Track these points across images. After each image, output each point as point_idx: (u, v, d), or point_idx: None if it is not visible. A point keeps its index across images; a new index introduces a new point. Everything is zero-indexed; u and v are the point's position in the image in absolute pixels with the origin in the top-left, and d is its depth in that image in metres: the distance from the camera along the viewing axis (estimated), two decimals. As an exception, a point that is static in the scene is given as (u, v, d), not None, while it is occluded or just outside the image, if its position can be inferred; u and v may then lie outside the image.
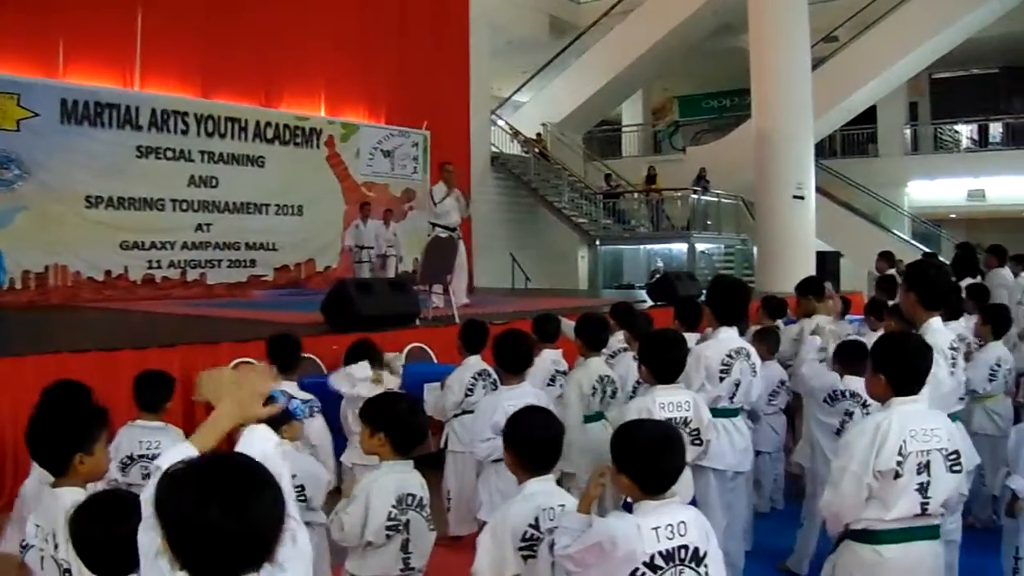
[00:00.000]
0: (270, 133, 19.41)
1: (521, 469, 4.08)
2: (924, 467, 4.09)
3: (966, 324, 9.55)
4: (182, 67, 18.28)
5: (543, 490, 4.03)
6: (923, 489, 4.09)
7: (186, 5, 17.99)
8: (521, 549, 3.93)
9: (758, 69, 22.69)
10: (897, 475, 4.04)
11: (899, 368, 4.25)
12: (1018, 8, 24.68)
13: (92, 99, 16.52)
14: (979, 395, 7.95)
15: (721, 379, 6.08)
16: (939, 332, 5.35)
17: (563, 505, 3.99)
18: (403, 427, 4.60)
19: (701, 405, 5.30)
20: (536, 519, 3.94)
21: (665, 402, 5.16)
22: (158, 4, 17.61)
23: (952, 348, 5.40)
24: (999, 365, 7.95)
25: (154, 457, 5.52)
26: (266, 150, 19.26)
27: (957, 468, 4.22)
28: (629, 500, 3.69)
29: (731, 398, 6.17)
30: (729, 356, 6.12)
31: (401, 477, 4.52)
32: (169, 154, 17.67)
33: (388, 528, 4.40)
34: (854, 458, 4.06)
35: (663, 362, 5.30)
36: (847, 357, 6.89)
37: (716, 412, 6.04)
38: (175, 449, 2.62)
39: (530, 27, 30.99)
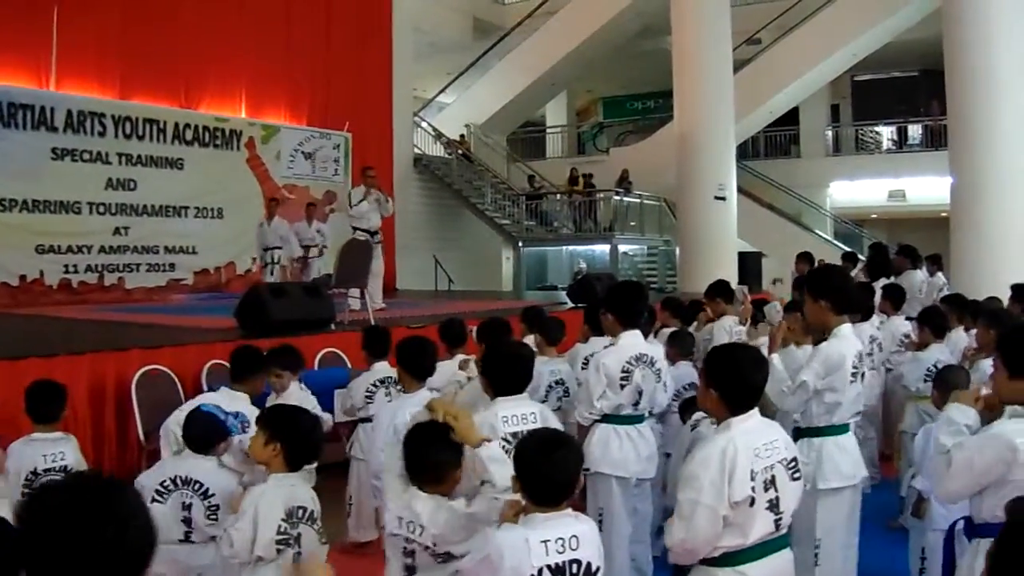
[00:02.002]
0: (189, 135, 19.21)
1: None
2: (771, 483, 3.98)
3: (878, 325, 9.76)
4: (99, 67, 18.03)
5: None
6: (774, 506, 3.98)
7: (103, 4, 17.78)
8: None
9: (680, 71, 22.82)
10: (753, 501, 3.92)
11: (732, 384, 4.09)
12: (937, 12, 25.06)
13: (5, 100, 16.27)
14: (913, 394, 8.16)
15: (622, 387, 6.07)
16: (848, 339, 5.43)
17: None
18: (302, 442, 4.57)
19: (549, 416, 5.09)
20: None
21: (508, 415, 4.85)
22: (74, 2, 17.35)
23: (858, 356, 5.46)
24: (936, 367, 8.00)
25: (61, 469, 5.50)
26: (185, 152, 19.06)
27: (797, 475, 4.14)
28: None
29: (634, 405, 6.18)
30: (629, 363, 6.10)
31: (291, 490, 4.47)
32: (86, 156, 17.44)
33: (279, 542, 4.34)
34: (703, 490, 3.86)
35: (504, 374, 5.02)
36: None
37: (620, 419, 6.11)
38: None
39: (453, 29, 30.93)
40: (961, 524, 4.21)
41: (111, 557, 2.04)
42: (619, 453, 6.09)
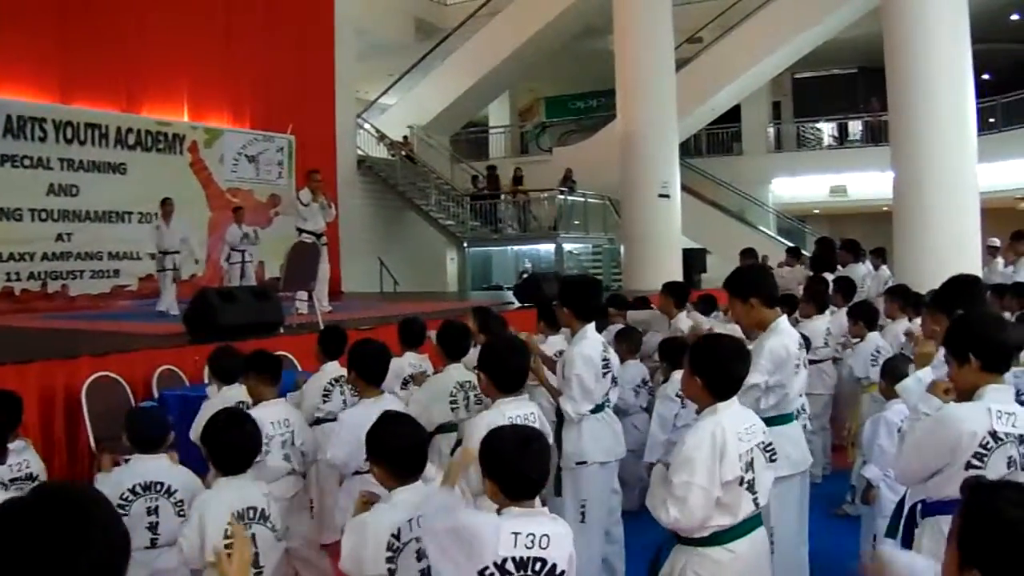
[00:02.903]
0: (132, 139, 19.08)
1: (389, 478, 4.06)
2: (750, 465, 4.20)
3: (831, 317, 9.94)
4: (39, 71, 17.81)
5: (410, 499, 4.00)
6: (751, 486, 4.20)
7: (43, 7, 17.57)
8: (388, 560, 3.91)
9: (623, 70, 22.88)
10: (742, 481, 4.13)
11: (717, 372, 4.30)
12: (875, 10, 25.28)
13: (-58, 104, 16.08)
14: (864, 384, 8.42)
15: (604, 374, 6.17)
16: (787, 331, 5.49)
17: None
18: (219, 446, 4.58)
19: (543, 418, 5.21)
20: (399, 530, 3.92)
21: (514, 415, 4.87)
22: (13, 6, 17.12)
23: (798, 346, 5.52)
24: (878, 352, 8.32)
25: (27, 477, 5.46)
26: (128, 157, 18.92)
27: (774, 459, 4.44)
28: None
29: (606, 393, 6.27)
30: (604, 352, 6.23)
31: (239, 493, 4.47)
32: (26, 162, 17.26)
33: (228, 546, 4.34)
34: (697, 472, 4.05)
35: (506, 371, 5.10)
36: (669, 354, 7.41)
37: (598, 408, 6.20)
38: None
39: (396, 30, 30.88)
40: (918, 507, 4.31)
41: (85, 571, 2.00)
42: (607, 440, 6.20)
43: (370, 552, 3.90)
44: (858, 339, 8.98)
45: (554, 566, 3.53)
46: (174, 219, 15.78)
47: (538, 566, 3.49)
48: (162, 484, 5.05)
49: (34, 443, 6.24)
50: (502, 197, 29.34)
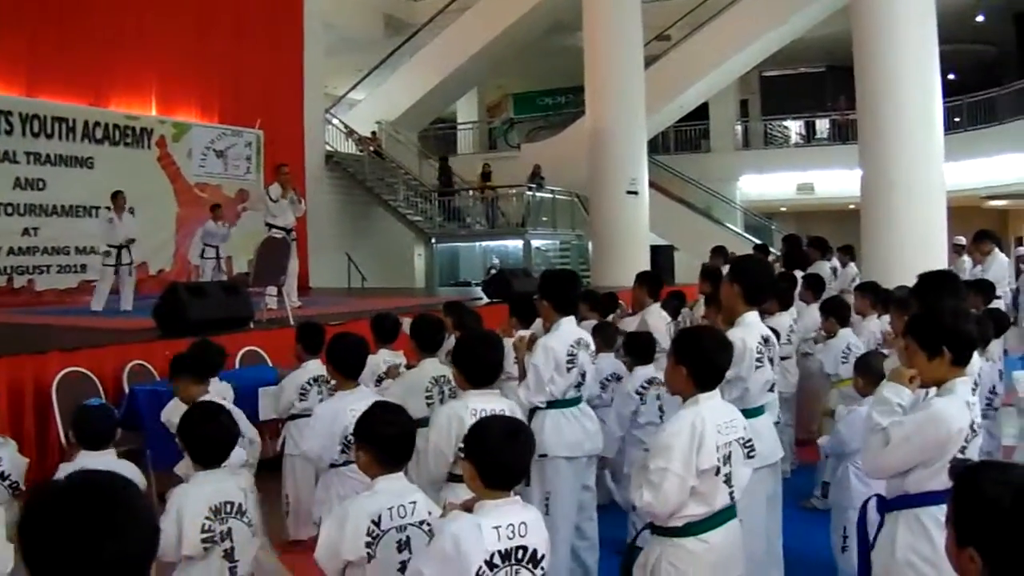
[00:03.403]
0: (99, 133, 18.97)
1: (375, 466, 4.07)
2: (727, 458, 4.29)
3: (797, 315, 10.00)
4: (5, 65, 17.71)
5: (392, 488, 4.04)
6: (728, 479, 4.29)
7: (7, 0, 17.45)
8: (367, 544, 3.93)
9: (592, 67, 22.94)
10: (717, 471, 4.21)
11: (701, 363, 4.38)
12: (843, 9, 25.44)
13: (-94, 98, 15.95)
14: (833, 379, 8.60)
15: (568, 369, 6.15)
16: (753, 326, 5.55)
17: (414, 502, 4.03)
18: (196, 439, 4.59)
19: (518, 413, 5.14)
20: (379, 516, 3.94)
21: (478, 408, 4.86)
22: (-23, -1, 17.01)
23: (761, 343, 5.55)
24: (849, 349, 8.48)
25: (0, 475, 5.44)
26: (95, 151, 18.80)
27: (752, 455, 4.52)
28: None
29: (577, 387, 6.27)
30: (572, 347, 6.19)
31: (217, 486, 4.48)
32: (-8, 156, 17.15)
33: (204, 540, 4.35)
34: (674, 459, 4.13)
35: (478, 365, 5.10)
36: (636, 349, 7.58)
37: (565, 403, 6.21)
38: None
39: (365, 25, 30.85)
40: (873, 501, 4.39)
41: (113, 560, 2.02)
42: (572, 435, 6.18)
43: (348, 536, 3.92)
44: (829, 335, 9.09)
45: (535, 551, 3.61)
46: (126, 213, 15.53)
47: (520, 554, 3.56)
48: None
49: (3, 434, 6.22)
50: (471, 193, 29.36)
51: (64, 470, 5.15)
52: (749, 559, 4.74)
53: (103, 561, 2.00)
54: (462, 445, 4.63)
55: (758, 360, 5.48)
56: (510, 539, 3.53)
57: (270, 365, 9.96)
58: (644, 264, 20.21)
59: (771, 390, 5.80)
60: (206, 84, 21.70)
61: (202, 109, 21.70)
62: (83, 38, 18.52)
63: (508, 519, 3.55)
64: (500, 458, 3.62)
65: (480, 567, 3.46)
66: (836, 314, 9.14)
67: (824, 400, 8.59)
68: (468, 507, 3.67)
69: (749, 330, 5.50)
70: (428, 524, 3.97)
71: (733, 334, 5.30)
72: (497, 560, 3.50)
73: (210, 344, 7.46)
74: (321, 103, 26.87)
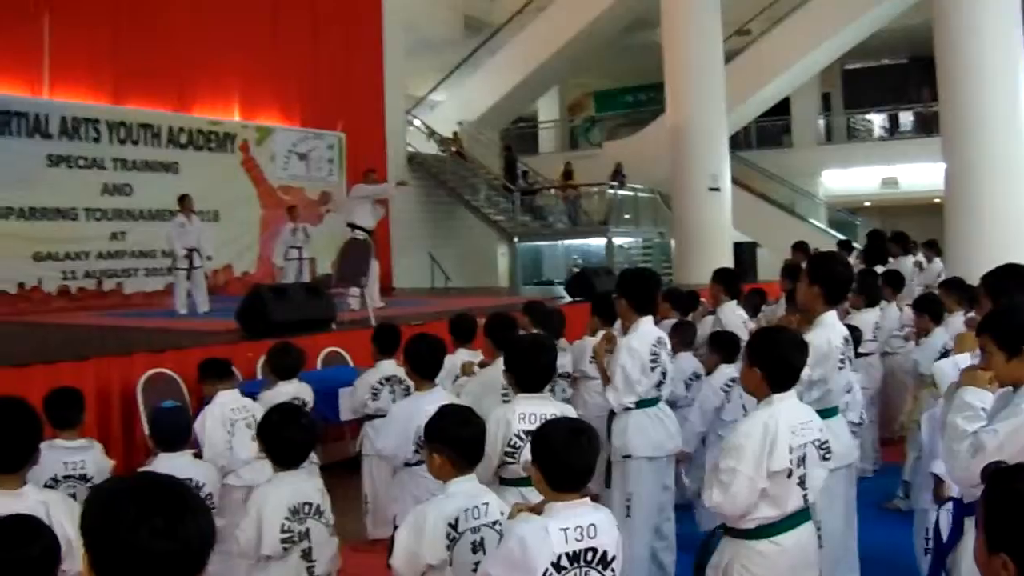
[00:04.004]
0: (184, 139, 19.28)
1: (449, 468, 4.06)
2: (801, 460, 4.22)
3: (881, 312, 9.84)
4: (92, 73, 18.03)
5: (466, 490, 4.04)
6: (802, 482, 4.22)
7: (94, 10, 17.75)
8: (446, 548, 3.92)
9: (671, 63, 22.86)
10: (790, 473, 4.15)
11: (776, 364, 4.33)
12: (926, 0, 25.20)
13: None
14: (926, 381, 8.22)
15: (652, 368, 6.13)
16: (833, 327, 5.45)
17: (487, 503, 4.02)
18: (276, 441, 4.63)
19: (568, 415, 4.88)
20: (456, 519, 3.94)
21: (526, 412, 4.87)
22: (65, 9, 17.34)
23: (842, 343, 5.47)
24: (947, 350, 8.10)
25: (81, 477, 5.50)
26: (180, 156, 19.12)
27: (828, 457, 4.39)
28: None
29: (657, 386, 6.24)
30: (654, 345, 6.18)
31: (294, 487, 4.53)
32: (81, 162, 17.49)
33: (284, 541, 4.41)
34: (744, 460, 4.10)
35: (528, 369, 5.07)
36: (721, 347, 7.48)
37: (647, 403, 6.17)
38: None
39: (444, 26, 30.89)
40: (949, 504, 4.28)
41: (171, 558, 2.07)
42: (655, 435, 6.17)
43: (427, 541, 3.91)
44: (922, 333, 8.85)
45: (605, 553, 3.58)
46: (195, 216, 15.62)
47: (590, 556, 3.54)
48: (190, 480, 5.04)
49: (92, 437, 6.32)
50: (553, 192, 29.33)
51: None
52: (826, 562, 4.68)
53: (156, 554, 2.04)
54: (508, 449, 4.65)
55: (840, 361, 5.41)
56: (578, 541, 3.51)
57: (351, 366, 10.03)
58: (727, 261, 20.10)
59: (848, 391, 5.74)
60: (288, 88, 21.90)
61: (284, 113, 21.92)
62: (166, 46, 18.75)
63: (576, 521, 3.53)
64: (565, 460, 3.60)
65: (547, 569, 3.45)
66: (930, 311, 8.82)
67: (913, 400, 8.41)
68: (537, 510, 3.66)
69: (832, 330, 5.42)
70: (500, 524, 3.97)
71: (817, 335, 5.26)
72: (565, 562, 3.48)
73: (287, 346, 7.55)
74: (402, 104, 26.95)
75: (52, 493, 4.57)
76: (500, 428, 4.82)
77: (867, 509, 6.02)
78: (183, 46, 19.06)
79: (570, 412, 5.07)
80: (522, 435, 4.73)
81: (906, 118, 34.64)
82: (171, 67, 19.17)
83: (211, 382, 6.84)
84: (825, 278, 5.48)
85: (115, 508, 2.09)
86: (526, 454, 4.47)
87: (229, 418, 6.35)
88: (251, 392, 7.32)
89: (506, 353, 5.36)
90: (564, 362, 7.93)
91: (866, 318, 9.54)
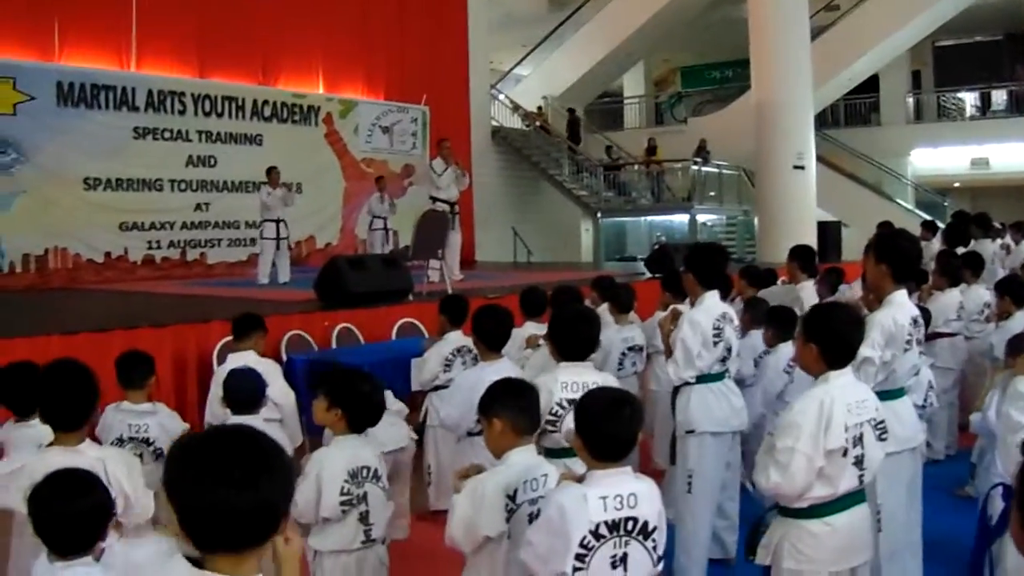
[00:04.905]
0: (268, 111, 19.49)
1: (510, 436, 4.05)
2: (859, 440, 4.15)
3: (961, 294, 9.66)
4: (178, 47, 18.29)
5: (525, 460, 4.04)
6: (859, 462, 4.15)
7: (181, -15, 17.96)
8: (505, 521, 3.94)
9: (757, 39, 22.67)
10: (845, 452, 4.09)
11: (832, 340, 4.26)
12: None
13: (88, 81, 16.59)
14: (1001, 365, 8.08)
15: (715, 343, 6.07)
16: (902, 306, 5.32)
17: (546, 475, 4.02)
18: (363, 406, 4.65)
19: (611, 384, 4.88)
20: (515, 490, 3.95)
21: (568, 381, 4.87)
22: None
23: (911, 324, 5.37)
24: None
25: (144, 440, 5.65)
26: (264, 128, 19.35)
27: (884, 437, 4.31)
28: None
29: (722, 361, 6.18)
30: (718, 320, 6.11)
31: (355, 452, 4.55)
32: (167, 135, 17.77)
33: (343, 503, 4.44)
34: (801, 439, 4.04)
35: (571, 339, 5.08)
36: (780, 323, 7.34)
37: (711, 378, 6.10)
38: None
39: (529, 0, 30.88)
40: (999, 489, 4.20)
41: (250, 511, 2.15)
42: (719, 411, 6.10)
43: (487, 512, 3.93)
44: (1004, 315, 8.69)
45: (646, 523, 3.59)
46: (281, 188, 15.81)
47: (630, 525, 3.56)
48: None
49: (167, 403, 6.44)
50: (636, 167, 29.24)
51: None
52: (885, 546, 4.61)
53: (234, 506, 2.12)
54: (550, 417, 4.65)
55: (907, 342, 5.27)
56: (618, 510, 3.52)
57: (426, 336, 10.09)
58: (811, 240, 19.90)
59: (916, 373, 5.64)
60: (372, 62, 22.03)
61: (368, 86, 22.05)
62: (250, 19, 19.02)
63: (617, 489, 3.54)
64: (606, 429, 3.61)
65: (584, 537, 3.47)
66: (1012, 293, 8.65)
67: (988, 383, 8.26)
68: (580, 479, 3.67)
69: (900, 310, 5.29)
70: None
71: (884, 314, 5.17)
72: (604, 531, 3.50)
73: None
74: (486, 79, 26.99)
75: (110, 449, 4.71)
76: (542, 396, 4.81)
77: (937, 494, 5.87)
78: (267, 19, 19.29)
79: (612, 381, 5.04)
80: (564, 403, 4.73)
81: (999, 96, 33.92)
82: (255, 40, 19.44)
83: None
84: (891, 255, 5.33)
85: (194, 461, 2.18)
86: (568, 423, 4.48)
87: None
88: (325, 360, 7.38)
89: (550, 323, 5.38)
90: (633, 335, 7.93)
91: (947, 299, 9.39)
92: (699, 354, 6.00)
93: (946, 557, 6.06)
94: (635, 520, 3.55)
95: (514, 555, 3.86)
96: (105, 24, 17.15)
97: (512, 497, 3.95)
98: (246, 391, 5.55)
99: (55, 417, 4.36)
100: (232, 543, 2.17)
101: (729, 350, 6.20)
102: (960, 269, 10.03)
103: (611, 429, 3.61)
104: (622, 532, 3.53)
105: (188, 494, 2.15)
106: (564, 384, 4.85)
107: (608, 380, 5.06)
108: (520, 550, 3.69)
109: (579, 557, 3.48)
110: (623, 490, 3.55)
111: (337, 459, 4.51)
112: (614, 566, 3.55)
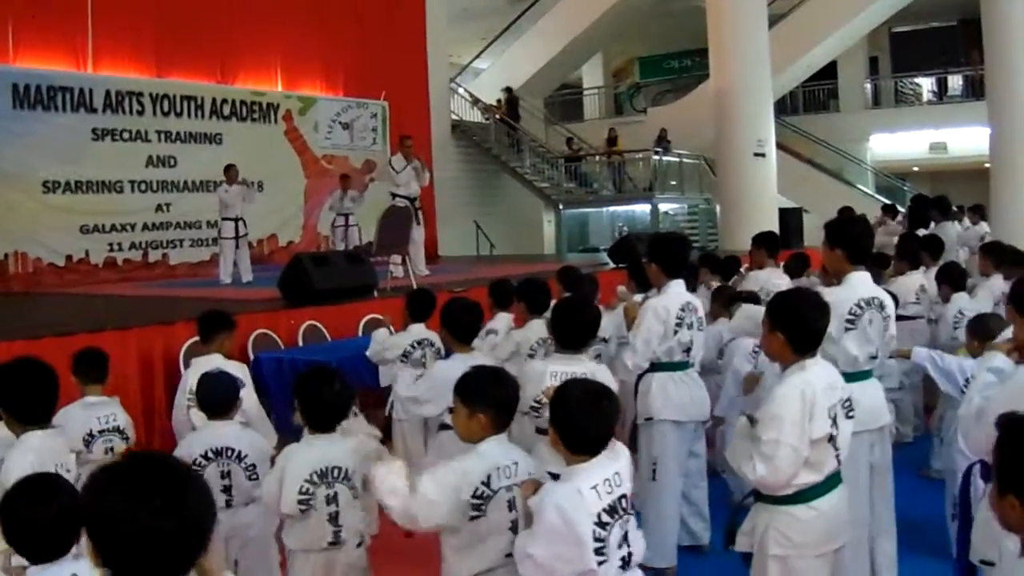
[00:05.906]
0: (227, 110, 19.38)
1: (486, 429, 3.99)
2: (834, 421, 4.17)
3: (924, 275, 9.74)
4: (135, 47, 18.14)
5: (498, 450, 4.00)
6: (833, 441, 4.16)
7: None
8: (472, 507, 3.88)
9: (715, 28, 22.72)
10: (830, 438, 4.12)
11: (798, 327, 4.25)
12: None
13: (44, 83, 16.40)
14: (955, 346, 8.16)
15: (675, 331, 6.10)
16: (856, 287, 5.36)
17: (516, 463, 3.98)
18: (314, 404, 4.62)
19: (599, 377, 4.75)
20: (488, 477, 3.90)
21: (558, 371, 4.94)
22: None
23: (861, 304, 5.35)
24: (961, 314, 8.01)
25: (114, 430, 5.68)
26: (224, 127, 19.22)
27: (852, 414, 4.33)
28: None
29: (685, 351, 6.22)
30: (681, 309, 6.13)
31: (323, 451, 4.53)
32: (126, 135, 17.61)
33: (300, 502, 4.42)
34: (785, 430, 4.01)
35: (568, 328, 5.19)
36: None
37: (673, 366, 6.16)
38: None
39: (487, -7, 30.89)
40: (976, 468, 4.22)
41: (174, 537, 2.07)
42: (679, 399, 6.15)
43: (450, 499, 3.89)
44: (945, 301, 8.80)
45: (626, 495, 3.63)
46: (240, 186, 15.66)
47: (624, 503, 3.59)
48: (232, 450, 5.16)
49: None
50: (597, 158, 29.28)
51: (188, 441, 5.31)
52: (853, 526, 4.62)
53: (158, 533, 2.05)
54: (534, 404, 4.67)
55: (849, 322, 5.25)
56: (609, 493, 3.53)
57: (393, 333, 10.07)
58: (772, 227, 19.98)
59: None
60: (330, 58, 21.96)
61: (327, 83, 21.99)
62: (208, 17, 18.91)
63: (604, 474, 3.55)
64: (581, 423, 3.61)
65: (592, 530, 3.46)
66: (949, 280, 8.78)
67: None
68: (556, 477, 3.68)
69: (849, 291, 5.32)
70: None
71: (831, 294, 5.13)
72: (606, 518, 3.50)
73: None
74: (446, 72, 26.93)
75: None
76: (531, 383, 4.86)
77: (906, 475, 5.92)
78: (225, 17, 19.22)
79: (602, 374, 5.04)
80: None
81: (955, 81, 34.20)
82: (213, 39, 19.32)
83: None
84: (842, 240, 5.41)
85: (113, 490, 2.09)
86: None
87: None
88: (292, 359, 7.36)
89: (552, 313, 5.47)
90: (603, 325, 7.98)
91: (909, 281, 9.46)
92: (657, 342, 6.05)
93: (918, 534, 6.14)
94: (625, 496, 3.59)
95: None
96: (60, 25, 16.97)
97: (487, 483, 3.90)
98: (219, 395, 5.46)
99: (19, 413, 4.39)
100: (152, 570, 2.08)
101: (692, 341, 6.23)
102: (919, 251, 10.11)
103: (585, 423, 3.61)
104: (620, 513, 3.56)
105: (106, 525, 2.07)
106: (553, 373, 4.90)
107: (598, 372, 5.08)
108: (520, 566, 3.64)
109: (598, 551, 3.47)
110: (608, 472, 3.56)
111: (303, 458, 4.50)
112: (619, 546, 3.57)
